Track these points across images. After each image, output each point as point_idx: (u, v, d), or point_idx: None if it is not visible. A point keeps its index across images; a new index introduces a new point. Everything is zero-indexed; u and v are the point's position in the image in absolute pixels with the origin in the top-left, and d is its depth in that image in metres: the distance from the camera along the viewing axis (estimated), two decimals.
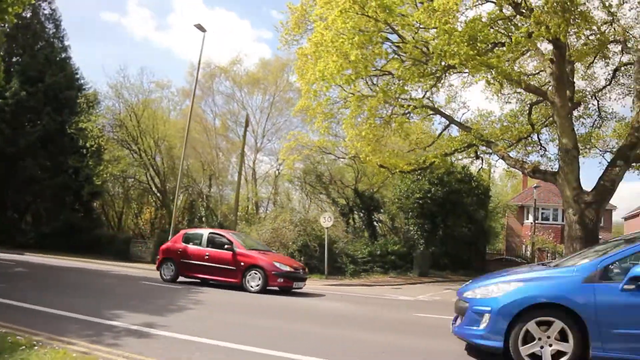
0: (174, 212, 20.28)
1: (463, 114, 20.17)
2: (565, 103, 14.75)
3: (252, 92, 30.38)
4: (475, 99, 47.55)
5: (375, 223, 27.30)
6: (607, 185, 14.57)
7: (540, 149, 20.50)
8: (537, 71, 19.37)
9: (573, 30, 17.64)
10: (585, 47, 18.39)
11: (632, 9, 18.18)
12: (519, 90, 17.58)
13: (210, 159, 29.59)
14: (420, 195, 23.00)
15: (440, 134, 19.52)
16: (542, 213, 36.08)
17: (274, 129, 30.40)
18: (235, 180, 27.49)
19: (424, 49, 10.56)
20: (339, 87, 15.68)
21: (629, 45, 17.06)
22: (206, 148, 29.41)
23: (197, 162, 30.27)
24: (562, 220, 28.11)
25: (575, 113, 20.46)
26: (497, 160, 20.97)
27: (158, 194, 28.92)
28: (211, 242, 12.83)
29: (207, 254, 12.53)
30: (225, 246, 12.36)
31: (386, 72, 14.22)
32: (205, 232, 13.48)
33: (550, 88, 15.38)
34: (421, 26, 10.25)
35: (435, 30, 10.07)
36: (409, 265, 22.84)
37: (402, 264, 22.61)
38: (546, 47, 17.18)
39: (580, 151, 20.40)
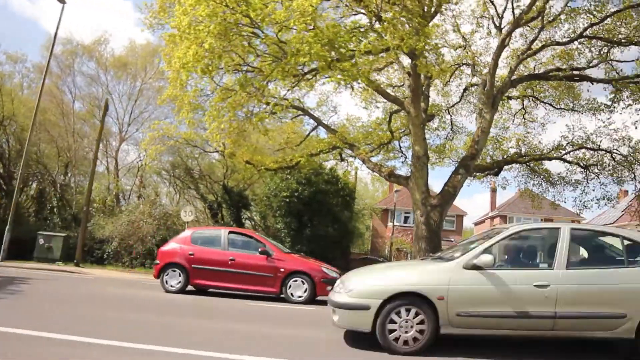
0: (13, 200, 18.13)
1: (330, 117, 20.77)
2: (419, 114, 15.96)
3: (120, 76, 28.44)
4: (350, 105, 49.69)
5: (244, 220, 27.14)
6: (450, 191, 16.05)
7: (402, 155, 22.08)
8: (401, 83, 20.80)
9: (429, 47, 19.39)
10: (442, 66, 20.25)
11: (481, 38, 20.39)
12: (382, 100, 18.63)
13: (67, 145, 27.08)
14: (287, 194, 23.30)
15: (308, 135, 20.05)
16: (405, 216, 38.89)
17: (141, 118, 28.79)
18: (96, 170, 25.51)
19: (282, 46, 10.69)
20: (211, 79, 15.41)
21: (477, 69, 18.99)
22: (63, 133, 26.86)
23: (52, 147, 27.53)
24: None
25: (434, 125, 22.43)
26: (362, 164, 22.21)
27: (0, 180, 25.78)
28: (233, 244, 11.24)
29: (231, 258, 10.81)
30: (260, 249, 10.84)
31: (252, 67, 14.16)
32: (223, 231, 11.75)
33: (407, 99, 16.54)
34: (283, 24, 10.33)
35: (295, 29, 10.23)
36: None
37: None
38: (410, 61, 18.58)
39: (436, 160, 22.44)
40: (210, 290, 11.41)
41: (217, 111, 13.94)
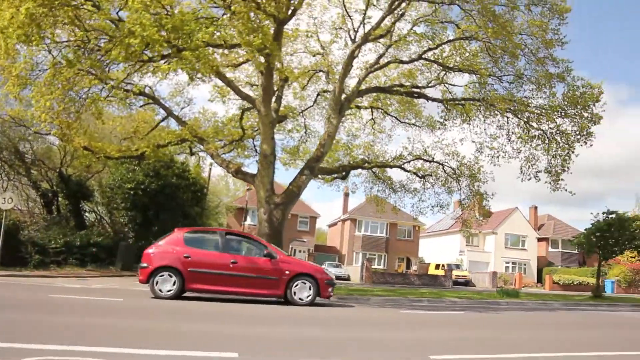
0: None
1: (182, 108, 19.93)
2: (269, 113, 16.12)
3: None
4: (208, 99, 48.74)
5: (83, 212, 24.96)
6: (294, 190, 16.48)
7: (256, 154, 22.12)
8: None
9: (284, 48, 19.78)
10: (300, 70, 20.83)
11: (339, 49, 21.36)
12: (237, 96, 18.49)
13: None
14: (132, 186, 21.97)
15: (157, 125, 19.13)
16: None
17: None
18: None
19: (119, 25, 10.03)
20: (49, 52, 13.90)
21: (330, 77, 19.82)
22: None
23: None
24: None
25: (288, 126, 22.92)
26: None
27: None
28: (230, 246, 10.74)
29: (233, 260, 10.23)
30: (265, 252, 10.50)
31: (97, 45, 13.10)
32: (219, 233, 11.29)
33: (259, 97, 16.64)
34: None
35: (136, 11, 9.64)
36: (114, 259, 21.53)
37: (106, 257, 21.17)
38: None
39: (289, 161, 22.95)
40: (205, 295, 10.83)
41: (46, 87, 12.61)
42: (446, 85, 19.80)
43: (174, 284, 10.01)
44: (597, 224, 21.92)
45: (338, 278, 36.07)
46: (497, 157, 19.23)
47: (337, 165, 20.84)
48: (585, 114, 17.43)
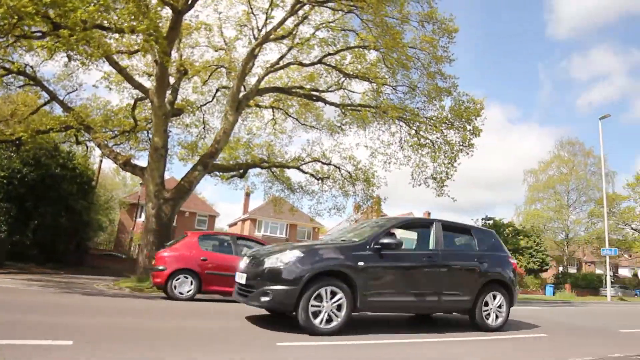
0: None
1: (69, 93, 18.46)
2: (163, 105, 15.56)
3: None
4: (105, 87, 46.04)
5: None
6: (185, 186, 16.03)
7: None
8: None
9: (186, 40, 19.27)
10: (201, 63, 20.35)
11: (244, 47, 21.17)
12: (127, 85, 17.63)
13: None
14: (5, 174, 19.95)
15: (38, 109, 17.66)
16: None
17: None
18: None
19: None
20: None
21: (232, 73, 19.60)
22: None
23: None
24: None
25: (187, 120, 22.27)
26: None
27: None
28: (242, 250, 10.89)
29: None
30: None
31: None
32: (231, 237, 11.75)
33: (153, 88, 16.00)
34: None
35: None
36: None
37: None
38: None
39: (186, 157, 22.27)
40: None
41: None
42: (345, 91, 20.42)
43: (191, 285, 10.31)
44: None
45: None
46: (390, 163, 20.22)
47: (234, 163, 20.59)
48: (469, 127, 18.88)
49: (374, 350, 5.04)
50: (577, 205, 51.51)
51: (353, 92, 20.59)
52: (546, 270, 48.48)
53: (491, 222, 23.61)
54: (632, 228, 53.62)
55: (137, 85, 16.23)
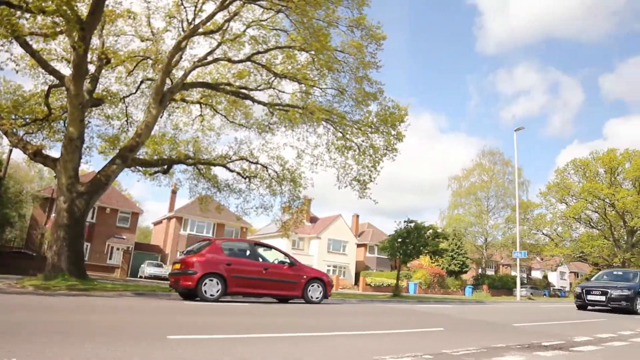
0: None
1: None
2: (81, 93, 14.82)
3: None
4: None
5: None
6: (102, 180, 15.34)
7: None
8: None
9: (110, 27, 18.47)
10: (125, 53, 19.54)
11: (173, 39, 20.57)
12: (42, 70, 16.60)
13: None
14: None
15: None
16: None
17: None
18: None
19: None
20: None
21: (158, 66, 19.00)
22: None
23: None
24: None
25: (109, 112, 21.30)
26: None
27: None
28: (261, 255, 12.53)
29: (265, 267, 12.03)
30: (289, 260, 12.66)
31: None
32: (250, 243, 13.16)
33: (70, 75, 15.19)
34: None
35: None
36: None
37: None
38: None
39: (107, 150, 21.26)
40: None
41: None
42: (275, 90, 20.38)
43: (218, 287, 11.20)
44: (399, 231, 24.57)
45: (158, 278, 34.51)
46: (316, 164, 20.43)
47: (157, 158, 19.95)
48: (393, 132, 19.48)
49: (260, 345, 5.09)
50: (495, 211, 54.64)
51: (283, 92, 20.58)
52: (466, 272, 51.08)
53: (412, 224, 24.39)
54: (543, 233, 57.70)
55: (52, 71, 15.35)
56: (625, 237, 54.78)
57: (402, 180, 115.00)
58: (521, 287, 46.47)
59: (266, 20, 18.23)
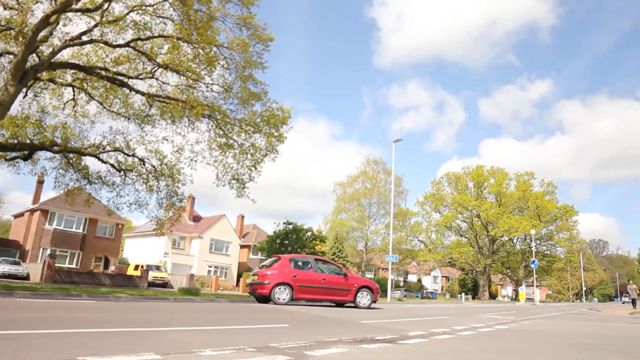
0: None
1: None
2: None
3: None
4: None
5: None
6: None
7: None
8: None
9: None
10: None
11: (44, 11, 18.82)
12: None
13: None
14: None
15: None
16: None
17: None
18: None
19: None
20: None
21: (21, 39, 17.23)
22: None
23: None
24: None
25: None
26: None
27: None
28: (320, 268, 15.02)
29: (323, 277, 14.59)
30: (343, 272, 15.21)
31: None
32: (311, 259, 15.58)
33: None
34: None
35: None
36: None
37: None
38: None
39: None
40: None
41: None
42: (159, 81, 19.58)
43: (286, 294, 13.90)
44: (278, 232, 24.93)
45: (13, 277, 31.15)
46: (196, 161, 19.94)
47: (16, 142, 18.09)
48: (275, 133, 19.67)
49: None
50: (376, 218, 57.48)
51: (167, 84, 19.81)
52: None
53: (291, 226, 24.84)
54: (419, 240, 61.98)
55: None
56: (488, 245, 60.83)
57: (296, 184, 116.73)
58: (396, 290, 49.44)
59: (153, 6, 17.46)
